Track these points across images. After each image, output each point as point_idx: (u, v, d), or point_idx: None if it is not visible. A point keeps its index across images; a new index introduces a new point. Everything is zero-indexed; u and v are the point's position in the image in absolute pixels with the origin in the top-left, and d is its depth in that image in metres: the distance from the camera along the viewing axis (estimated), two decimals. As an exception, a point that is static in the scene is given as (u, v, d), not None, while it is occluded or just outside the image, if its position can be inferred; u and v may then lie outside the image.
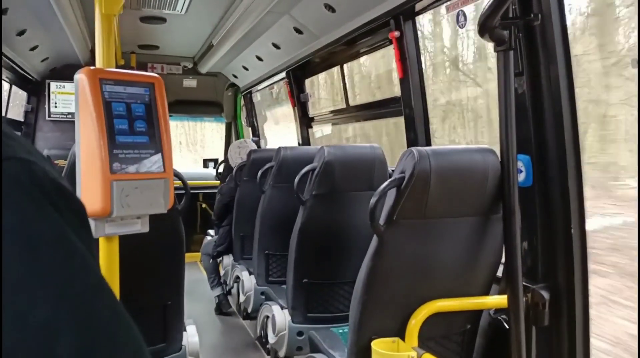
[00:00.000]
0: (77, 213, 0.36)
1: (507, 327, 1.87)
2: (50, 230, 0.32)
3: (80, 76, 1.30)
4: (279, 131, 6.27)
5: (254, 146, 4.54)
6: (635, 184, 2.17)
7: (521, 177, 1.88)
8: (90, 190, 1.31)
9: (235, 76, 6.04)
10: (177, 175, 1.97)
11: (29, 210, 0.32)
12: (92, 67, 1.32)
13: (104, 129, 1.28)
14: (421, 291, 1.89)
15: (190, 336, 2.42)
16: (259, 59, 4.85)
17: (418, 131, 2.78)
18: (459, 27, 2.30)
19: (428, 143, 2.81)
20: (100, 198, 1.29)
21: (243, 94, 6.33)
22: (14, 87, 5.06)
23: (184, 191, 2.36)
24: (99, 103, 1.28)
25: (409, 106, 2.81)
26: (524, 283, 1.81)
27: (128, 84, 1.34)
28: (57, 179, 0.35)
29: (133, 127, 1.34)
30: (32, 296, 0.29)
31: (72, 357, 0.30)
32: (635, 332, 1.75)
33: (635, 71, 2.47)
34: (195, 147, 11.33)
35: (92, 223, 1.36)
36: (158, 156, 1.37)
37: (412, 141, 2.83)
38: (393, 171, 1.90)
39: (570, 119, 1.82)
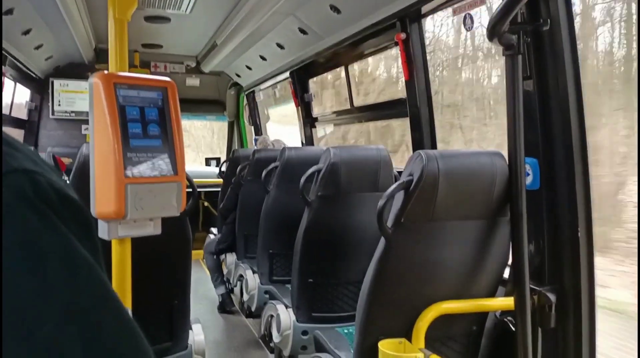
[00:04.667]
0: (83, 223, 0.35)
1: (513, 328, 1.89)
2: (55, 243, 0.32)
3: (94, 80, 1.31)
4: (282, 130, 6.28)
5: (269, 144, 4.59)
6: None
7: (528, 180, 1.90)
8: (104, 193, 1.32)
9: (238, 75, 6.05)
10: (186, 176, 1.99)
11: (34, 224, 0.31)
12: (106, 72, 1.33)
13: (118, 133, 1.29)
14: (428, 293, 1.90)
15: (196, 335, 2.44)
16: (263, 58, 4.86)
17: (424, 133, 2.79)
18: (466, 29, 2.31)
19: (433, 145, 2.82)
20: (114, 201, 1.30)
21: (246, 93, 6.34)
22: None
23: (189, 190, 2.37)
24: (114, 107, 1.29)
25: (414, 108, 2.82)
26: (530, 286, 1.82)
27: (142, 88, 1.35)
28: (62, 189, 0.34)
29: (146, 131, 1.35)
30: (38, 313, 0.29)
31: None
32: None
33: (636, 71, 2.48)
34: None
35: (105, 225, 1.37)
36: (171, 159, 1.39)
37: (417, 143, 2.84)
38: (399, 172, 1.91)
39: (577, 123, 1.83)
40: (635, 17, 2.37)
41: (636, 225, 2.27)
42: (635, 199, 2.29)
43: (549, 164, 1.88)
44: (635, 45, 2.39)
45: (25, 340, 0.28)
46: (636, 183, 1.79)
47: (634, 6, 2.37)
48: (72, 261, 0.32)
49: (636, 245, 2.13)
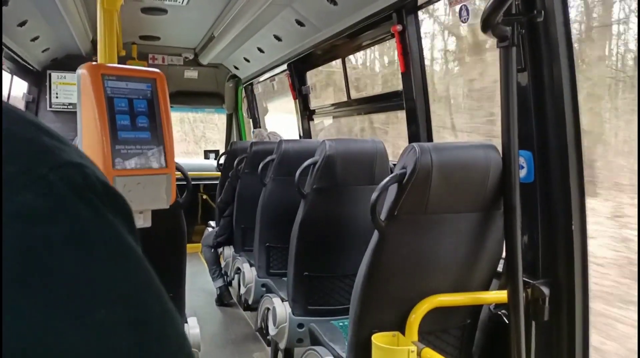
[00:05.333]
0: (125, 214, 0.37)
1: (507, 321, 1.88)
2: (106, 233, 0.34)
3: (82, 72, 1.30)
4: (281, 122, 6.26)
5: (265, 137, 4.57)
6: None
7: (522, 173, 1.88)
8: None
9: (236, 68, 6.03)
10: (179, 169, 1.98)
11: (87, 215, 0.33)
12: (94, 63, 1.32)
13: (106, 125, 1.28)
14: (421, 286, 1.90)
15: (192, 328, 2.44)
16: (261, 50, 4.84)
17: (420, 125, 2.78)
18: (462, 22, 2.29)
19: (429, 137, 2.81)
20: (102, 194, 1.29)
21: (244, 85, 6.32)
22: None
23: (185, 183, 2.36)
24: (101, 99, 1.28)
25: (410, 100, 2.81)
26: (524, 279, 1.81)
27: (130, 79, 1.34)
28: (106, 181, 0.36)
29: (135, 123, 1.34)
30: (92, 298, 0.31)
31: (131, 353, 0.31)
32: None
33: (636, 70, 2.47)
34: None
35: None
36: (160, 152, 1.38)
37: (413, 135, 2.83)
38: (394, 165, 1.90)
39: (572, 116, 1.82)
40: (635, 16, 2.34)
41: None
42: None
43: (544, 156, 1.87)
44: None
45: (82, 325, 0.30)
46: (637, 180, 1.79)
47: (634, 5, 2.34)
48: (121, 249, 0.34)
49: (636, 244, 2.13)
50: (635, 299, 2.05)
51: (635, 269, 2.18)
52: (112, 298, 0.32)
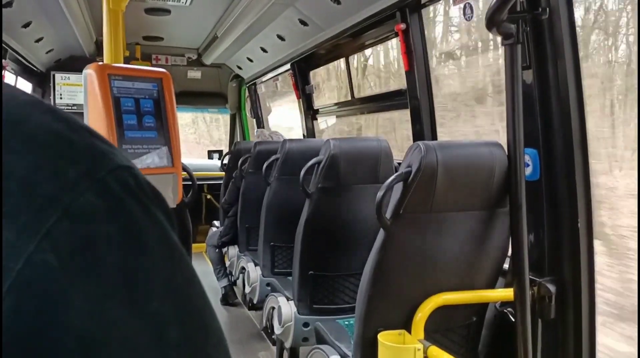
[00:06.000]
0: (167, 213, 0.39)
1: (513, 319, 1.88)
2: (155, 230, 0.36)
3: (89, 72, 1.30)
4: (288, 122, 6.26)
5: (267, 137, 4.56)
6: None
7: (528, 171, 1.88)
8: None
9: (239, 68, 6.03)
10: (185, 168, 1.98)
11: (139, 214, 0.35)
12: (100, 63, 1.33)
13: (112, 125, 1.28)
14: (427, 284, 1.90)
15: None
16: (264, 50, 4.84)
17: (424, 124, 2.78)
18: (466, 19, 2.29)
19: (434, 136, 2.81)
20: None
21: (247, 85, 6.33)
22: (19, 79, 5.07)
23: (190, 183, 2.36)
24: (108, 99, 1.28)
25: (415, 99, 2.81)
26: (530, 277, 1.81)
27: (136, 79, 1.34)
28: (150, 182, 0.39)
29: (142, 123, 1.34)
30: (146, 290, 0.33)
31: (179, 343, 0.34)
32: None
33: (635, 70, 2.46)
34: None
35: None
36: (166, 151, 1.38)
37: (418, 134, 2.83)
38: (399, 164, 1.91)
39: (577, 113, 1.81)
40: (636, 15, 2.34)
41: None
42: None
43: (549, 154, 1.87)
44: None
45: (137, 314, 0.32)
46: (636, 180, 1.78)
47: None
48: (168, 245, 0.37)
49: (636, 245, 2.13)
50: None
51: None
52: (164, 291, 0.34)
